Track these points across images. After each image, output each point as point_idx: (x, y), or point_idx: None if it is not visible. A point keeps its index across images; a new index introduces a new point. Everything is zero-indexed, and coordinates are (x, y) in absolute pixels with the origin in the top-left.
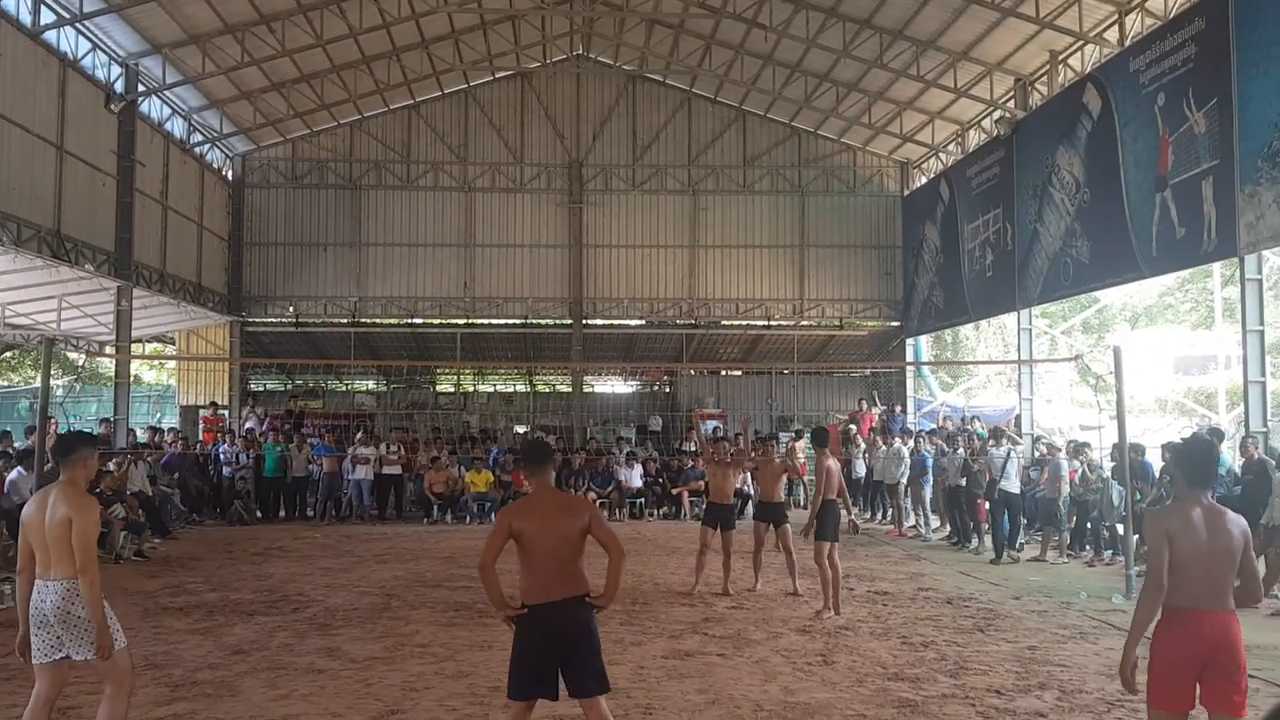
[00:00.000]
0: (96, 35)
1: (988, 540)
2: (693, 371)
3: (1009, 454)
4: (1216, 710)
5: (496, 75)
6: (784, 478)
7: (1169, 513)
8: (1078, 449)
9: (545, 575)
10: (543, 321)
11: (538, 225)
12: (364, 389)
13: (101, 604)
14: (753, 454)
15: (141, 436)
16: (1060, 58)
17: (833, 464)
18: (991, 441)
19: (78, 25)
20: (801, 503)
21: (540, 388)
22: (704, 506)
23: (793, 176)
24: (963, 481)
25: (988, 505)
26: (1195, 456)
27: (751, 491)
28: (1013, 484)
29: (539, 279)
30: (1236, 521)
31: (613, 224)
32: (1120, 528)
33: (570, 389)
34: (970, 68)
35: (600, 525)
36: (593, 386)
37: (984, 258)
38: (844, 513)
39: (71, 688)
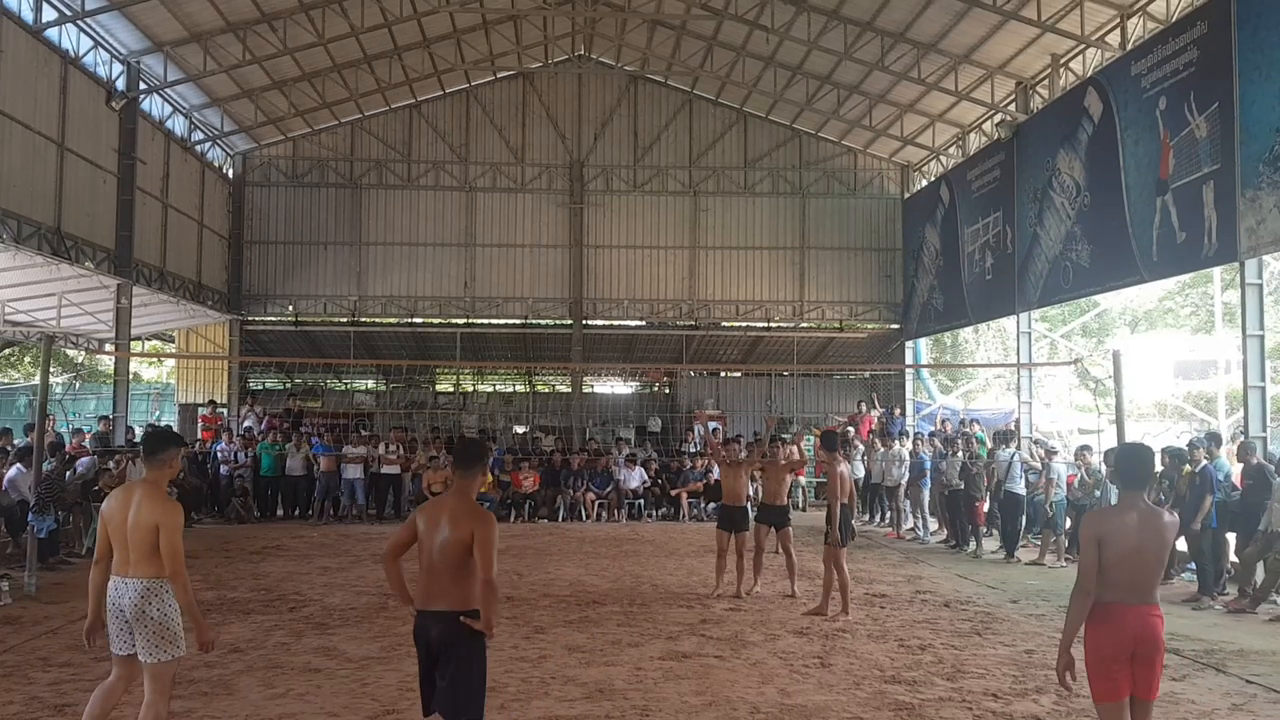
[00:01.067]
0: (98, 33)
1: (986, 543)
2: (692, 373)
3: (1014, 456)
4: (1135, 695)
5: (498, 75)
6: (789, 480)
7: (1103, 517)
8: (1078, 453)
9: (425, 580)
10: (543, 322)
11: (538, 225)
12: (363, 388)
13: (195, 605)
14: (759, 453)
15: (139, 435)
16: (1061, 61)
17: (844, 469)
18: (1000, 444)
19: (79, 22)
20: (800, 505)
21: (540, 388)
22: (717, 509)
23: (793, 178)
24: (960, 485)
25: (988, 507)
26: (1131, 460)
27: (751, 492)
28: (1019, 486)
29: (539, 279)
30: (1171, 523)
31: (613, 225)
32: None
33: (570, 389)
34: (971, 71)
35: (481, 544)
36: (592, 387)
37: (984, 261)
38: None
39: (68, 684)
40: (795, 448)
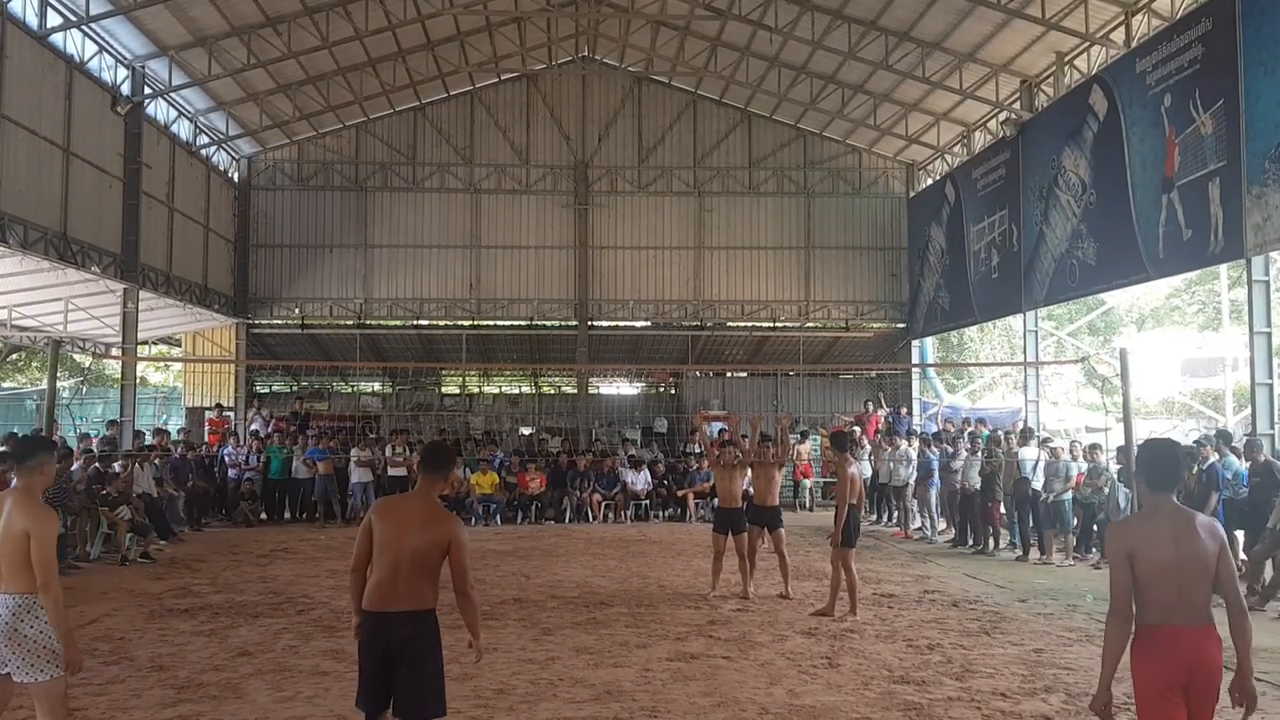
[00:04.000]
0: (103, 38)
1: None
2: (698, 373)
3: (1039, 456)
4: None
5: (502, 77)
6: (779, 480)
7: (1130, 527)
8: (1090, 451)
9: (387, 582)
10: (548, 323)
11: (543, 227)
12: (369, 391)
13: (66, 620)
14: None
15: (149, 438)
16: (1066, 59)
17: (854, 470)
18: (1020, 442)
19: (84, 28)
20: (808, 505)
21: (545, 389)
22: (713, 511)
23: (798, 178)
24: (977, 484)
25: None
26: (1156, 458)
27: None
28: (1040, 483)
29: (545, 280)
30: (1208, 526)
31: (618, 225)
32: None
33: (576, 391)
34: (976, 69)
35: (458, 553)
36: (598, 388)
37: (989, 259)
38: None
39: (73, 689)
40: (801, 450)
